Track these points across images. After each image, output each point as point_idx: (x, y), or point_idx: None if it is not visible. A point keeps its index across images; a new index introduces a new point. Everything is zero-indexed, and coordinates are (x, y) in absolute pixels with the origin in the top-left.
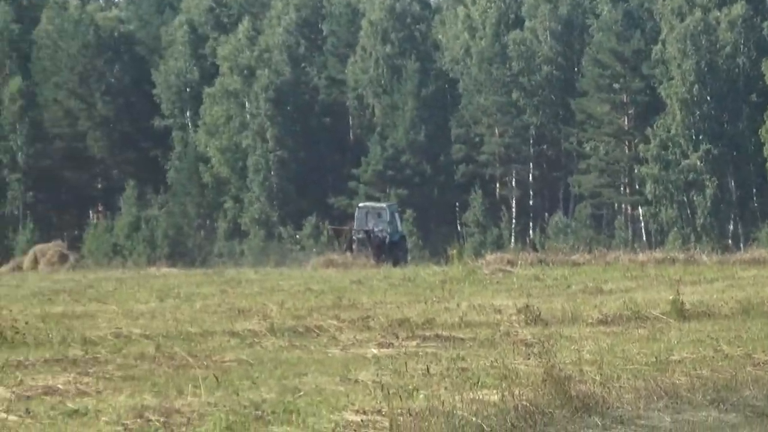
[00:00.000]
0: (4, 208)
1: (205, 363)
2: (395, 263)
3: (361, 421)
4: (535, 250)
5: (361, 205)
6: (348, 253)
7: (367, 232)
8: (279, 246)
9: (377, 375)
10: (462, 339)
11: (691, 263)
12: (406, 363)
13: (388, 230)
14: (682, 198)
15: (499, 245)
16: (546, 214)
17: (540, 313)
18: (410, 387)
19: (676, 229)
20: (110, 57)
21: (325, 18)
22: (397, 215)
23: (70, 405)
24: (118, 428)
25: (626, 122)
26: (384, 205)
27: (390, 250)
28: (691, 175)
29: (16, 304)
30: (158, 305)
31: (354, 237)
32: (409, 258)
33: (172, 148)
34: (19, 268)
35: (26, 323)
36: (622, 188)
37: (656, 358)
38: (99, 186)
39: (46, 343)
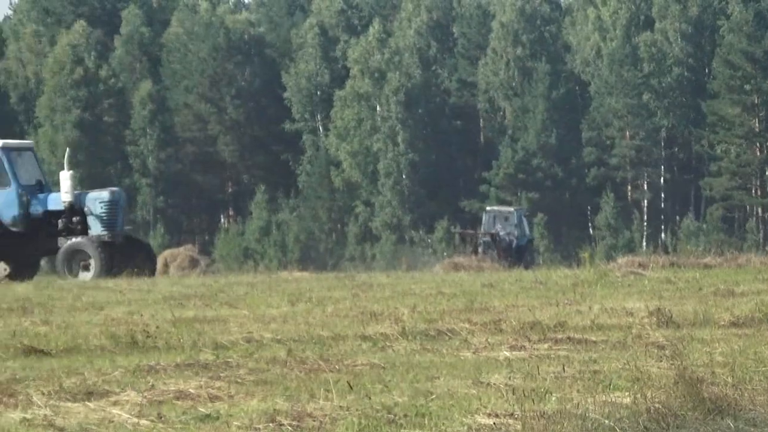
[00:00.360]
0: (135, 212)
1: (336, 367)
2: (526, 266)
3: (494, 424)
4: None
5: (488, 208)
6: (474, 256)
7: (492, 235)
8: (410, 250)
9: (509, 378)
10: (594, 342)
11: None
12: (537, 366)
13: (516, 234)
14: None
15: (630, 248)
16: (677, 217)
17: (671, 316)
18: (542, 390)
19: None
20: (240, 60)
21: (456, 20)
22: (524, 219)
23: (201, 409)
24: None
25: (757, 124)
26: (512, 209)
27: (517, 254)
28: None
29: (148, 308)
30: (289, 309)
31: (480, 240)
32: (537, 261)
33: (303, 151)
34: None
35: (157, 327)
36: (753, 191)
37: None
38: (229, 190)
39: (177, 348)
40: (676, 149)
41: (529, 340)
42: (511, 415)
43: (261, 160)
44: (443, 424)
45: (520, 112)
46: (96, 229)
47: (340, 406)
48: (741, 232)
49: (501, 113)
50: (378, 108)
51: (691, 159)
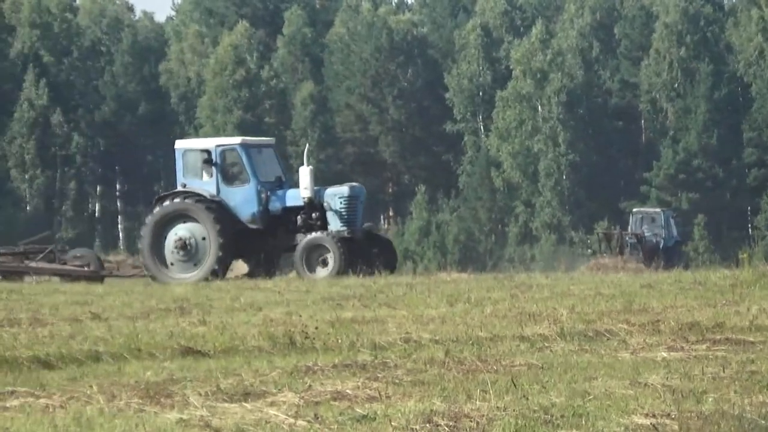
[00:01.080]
0: None
1: (494, 367)
2: (671, 267)
3: (651, 424)
4: None
5: (635, 210)
6: (620, 257)
7: (638, 236)
8: (570, 250)
9: (666, 378)
10: (752, 342)
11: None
12: (695, 366)
13: (663, 235)
14: None
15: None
16: None
17: None
18: (699, 390)
19: None
20: (402, 61)
21: (619, 20)
22: (672, 221)
23: (358, 410)
24: None
25: None
26: (659, 210)
27: (665, 255)
28: None
29: (306, 309)
30: (448, 310)
31: (627, 241)
32: (686, 262)
33: (464, 152)
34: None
35: (316, 328)
36: None
37: None
38: (390, 191)
39: (335, 349)
40: None
41: (687, 341)
42: (668, 415)
43: (422, 161)
44: (600, 424)
45: (681, 113)
46: (335, 224)
47: (497, 407)
48: None
49: (663, 114)
50: (539, 108)
51: None
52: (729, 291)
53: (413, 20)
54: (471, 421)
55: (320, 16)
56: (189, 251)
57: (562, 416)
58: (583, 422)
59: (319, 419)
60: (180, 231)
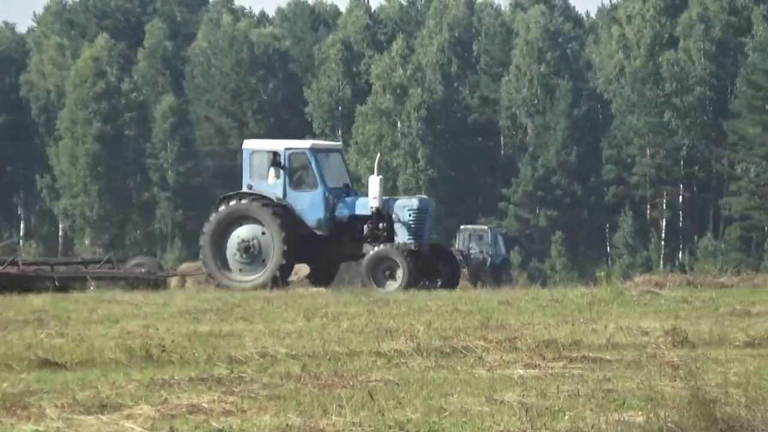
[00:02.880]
0: (153, 225)
1: (350, 383)
2: (498, 284)
3: None
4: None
5: (462, 227)
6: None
7: (462, 253)
8: None
9: (522, 396)
10: (608, 360)
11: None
12: (551, 384)
13: (490, 252)
14: None
15: (647, 267)
16: (695, 236)
17: (687, 335)
18: (555, 408)
19: None
20: (263, 74)
21: (478, 37)
22: (500, 238)
23: (214, 424)
24: None
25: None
26: (486, 227)
27: (492, 273)
28: None
29: (163, 322)
30: (305, 325)
31: None
32: (513, 280)
33: None
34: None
35: (172, 342)
36: None
37: None
38: None
39: (191, 362)
40: (696, 168)
41: (544, 359)
42: None
43: None
44: None
45: (541, 129)
46: (402, 236)
47: (353, 422)
48: (759, 251)
49: (522, 130)
50: (399, 124)
51: (710, 178)
52: (586, 309)
53: (274, 34)
54: None
55: (181, 29)
56: (252, 254)
57: None
58: None
59: None
60: (243, 233)
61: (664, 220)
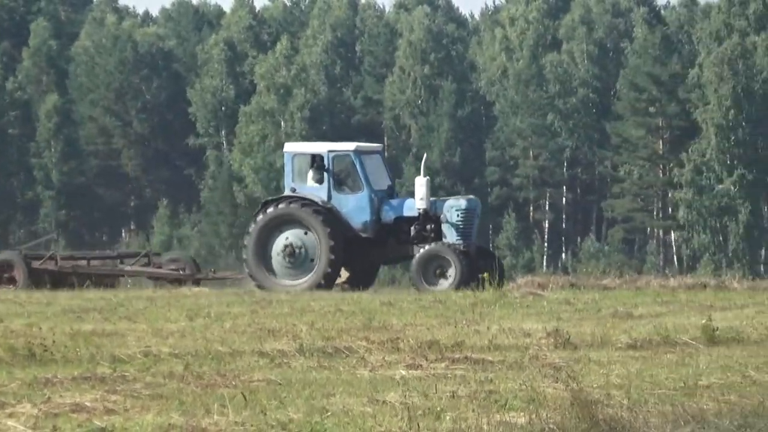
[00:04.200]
0: (37, 225)
1: (233, 382)
2: None
3: None
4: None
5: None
6: None
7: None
8: None
9: (405, 396)
10: (491, 362)
11: (722, 289)
12: (433, 385)
13: None
14: (715, 224)
15: (530, 268)
16: (578, 238)
17: (569, 337)
18: (437, 409)
19: (708, 254)
20: (147, 74)
21: (362, 37)
22: None
23: (97, 423)
24: None
25: (661, 146)
26: None
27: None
28: (725, 200)
29: (46, 321)
30: (188, 324)
31: None
32: None
33: (207, 167)
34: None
35: (54, 342)
36: (655, 213)
37: (684, 383)
38: (132, 204)
39: (74, 361)
40: (579, 170)
41: (426, 359)
42: None
43: (164, 175)
44: None
45: (425, 130)
46: (451, 237)
47: (236, 422)
48: (641, 254)
49: (406, 131)
50: (282, 124)
51: (593, 180)
52: (469, 310)
53: (158, 33)
54: None
55: (66, 29)
56: (297, 258)
57: None
58: None
59: (57, 431)
60: (289, 236)
61: (547, 221)
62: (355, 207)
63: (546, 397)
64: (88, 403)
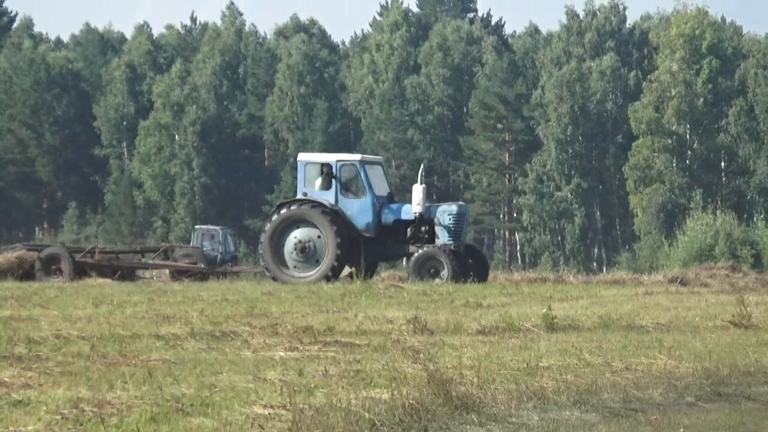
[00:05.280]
0: None
1: (133, 362)
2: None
3: (268, 414)
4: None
5: (197, 227)
6: None
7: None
8: None
9: (283, 374)
10: (358, 345)
11: (560, 283)
12: (308, 365)
13: (221, 250)
14: (554, 225)
15: (392, 265)
16: None
17: (426, 324)
18: (311, 385)
19: (548, 252)
20: (58, 92)
21: (245, 61)
22: (229, 238)
23: (15, 396)
24: (56, 417)
25: (507, 158)
26: (218, 228)
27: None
28: (563, 205)
29: None
30: (94, 311)
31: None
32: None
33: (110, 173)
34: None
35: None
36: (501, 216)
37: (527, 364)
38: (45, 206)
39: None
40: (435, 178)
41: (302, 343)
42: (284, 407)
43: (73, 180)
44: (225, 413)
45: (300, 143)
46: (443, 238)
47: (136, 396)
48: (490, 252)
49: (284, 144)
50: (176, 137)
51: (448, 187)
52: (339, 300)
53: (68, 57)
54: (112, 408)
55: None
56: (307, 254)
57: (191, 405)
58: (210, 411)
59: None
60: (300, 235)
61: None
62: (358, 210)
63: (406, 376)
64: (7, 379)
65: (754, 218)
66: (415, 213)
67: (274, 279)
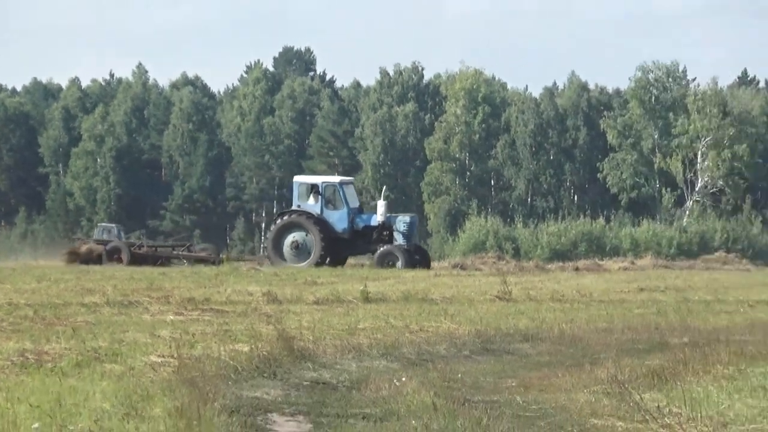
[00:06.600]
0: None
1: (64, 323)
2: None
3: (161, 361)
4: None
5: (99, 224)
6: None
7: (97, 241)
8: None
9: (172, 333)
10: (227, 311)
11: (374, 268)
12: (191, 326)
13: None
14: None
15: (253, 252)
16: None
17: (276, 296)
18: (193, 341)
19: None
20: (13, 128)
21: (149, 105)
22: (121, 232)
23: None
24: (7, 362)
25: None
26: (113, 225)
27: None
28: None
29: None
30: (37, 285)
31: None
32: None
33: (50, 186)
34: None
35: None
36: None
37: (348, 326)
38: (2, 210)
39: None
40: (285, 190)
41: (186, 309)
42: (172, 356)
43: (23, 191)
44: (130, 360)
45: (188, 165)
46: (399, 240)
47: (65, 348)
48: None
49: (176, 165)
50: (98, 160)
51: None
52: (214, 278)
53: (21, 101)
54: (48, 357)
55: None
56: (300, 249)
57: (106, 355)
58: (119, 359)
59: None
60: (295, 236)
61: (263, 223)
62: (338, 218)
63: (261, 334)
64: None
65: (515, 221)
66: (379, 221)
67: (274, 266)
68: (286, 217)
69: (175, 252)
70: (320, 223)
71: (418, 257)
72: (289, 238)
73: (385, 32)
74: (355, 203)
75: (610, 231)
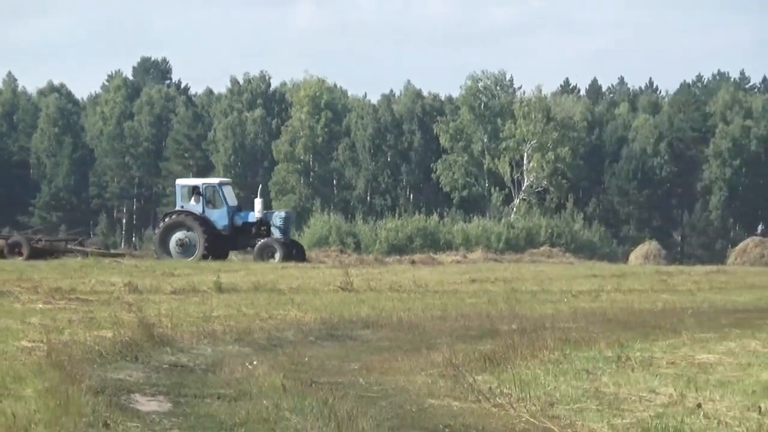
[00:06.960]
0: None
1: None
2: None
3: (32, 346)
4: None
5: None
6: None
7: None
8: None
9: (42, 320)
10: (92, 300)
11: (225, 263)
12: (59, 314)
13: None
14: None
15: (114, 246)
16: (142, 229)
17: (137, 286)
18: (61, 327)
19: None
20: None
21: (19, 110)
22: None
23: None
24: None
25: (191, 176)
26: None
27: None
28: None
29: None
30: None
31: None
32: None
33: None
34: None
35: None
36: None
37: (204, 314)
38: None
39: None
40: (144, 189)
41: (54, 298)
42: (42, 341)
43: None
44: (2, 346)
45: (54, 165)
46: (276, 234)
47: None
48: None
49: (44, 165)
50: None
51: (151, 195)
52: (80, 270)
53: None
54: None
55: None
56: (185, 246)
57: None
58: None
59: None
60: (179, 235)
61: (124, 219)
62: (218, 216)
63: (124, 322)
64: None
65: (356, 218)
66: (257, 217)
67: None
68: (171, 217)
69: (68, 246)
70: (203, 221)
71: (294, 251)
72: (175, 237)
73: (236, 44)
74: (233, 202)
75: (443, 227)
